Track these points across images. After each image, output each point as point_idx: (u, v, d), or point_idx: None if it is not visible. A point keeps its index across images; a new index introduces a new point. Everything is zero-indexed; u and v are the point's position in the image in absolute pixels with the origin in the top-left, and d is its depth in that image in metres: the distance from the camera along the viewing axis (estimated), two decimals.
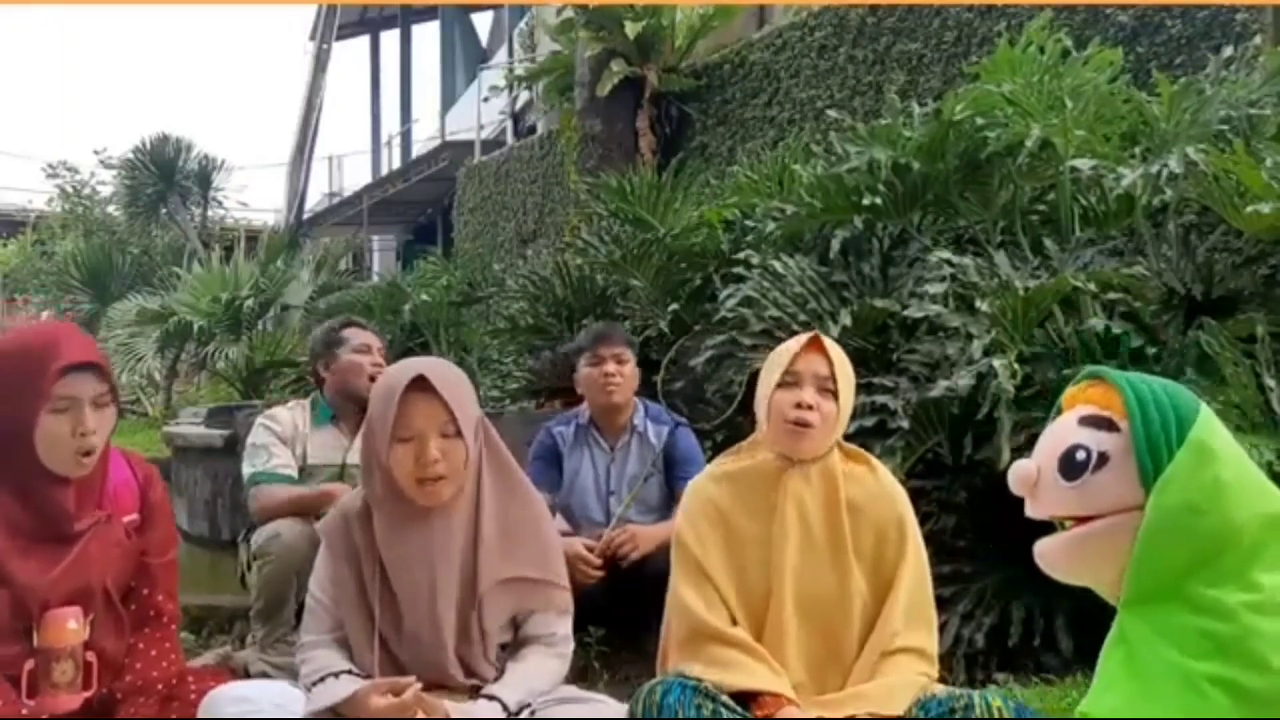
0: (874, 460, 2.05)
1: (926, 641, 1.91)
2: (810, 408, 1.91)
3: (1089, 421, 1.27)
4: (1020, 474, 1.31)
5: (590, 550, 2.83)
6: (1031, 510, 1.32)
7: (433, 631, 1.89)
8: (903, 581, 1.91)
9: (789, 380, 1.94)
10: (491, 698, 1.85)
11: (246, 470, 3.02)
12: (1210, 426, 1.25)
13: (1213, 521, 1.20)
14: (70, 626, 1.84)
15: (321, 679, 1.86)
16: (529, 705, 1.88)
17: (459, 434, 1.86)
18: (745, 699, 1.84)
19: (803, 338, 2.00)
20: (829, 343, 1.98)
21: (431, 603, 1.89)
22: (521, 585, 1.94)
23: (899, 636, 1.88)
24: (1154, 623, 1.22)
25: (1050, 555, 1.31)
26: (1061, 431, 1.30)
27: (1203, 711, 1.14)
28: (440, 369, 1.93)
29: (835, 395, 1.94)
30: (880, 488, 1.99)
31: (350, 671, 1.87)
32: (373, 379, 3.00)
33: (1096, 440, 1.26)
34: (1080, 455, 1.25)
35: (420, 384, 1.86)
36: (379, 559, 1.91)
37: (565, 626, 2.00)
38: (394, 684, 1.79)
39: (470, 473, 1.91)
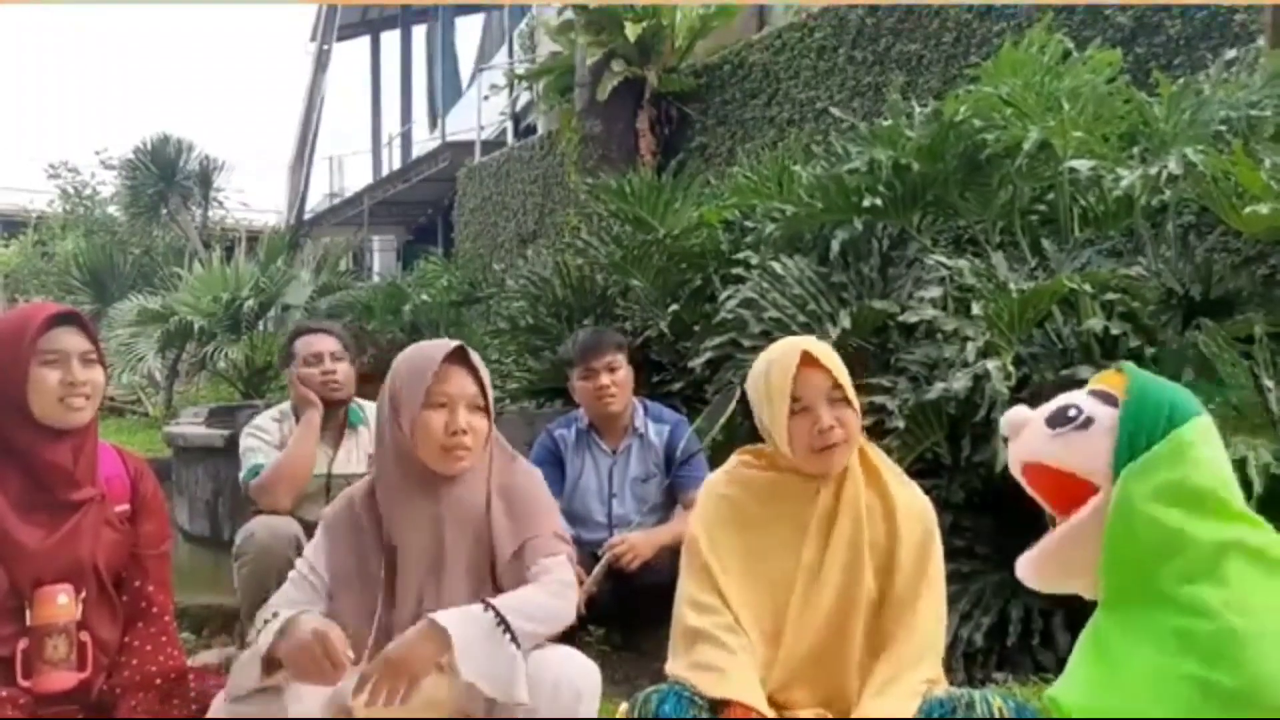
0: (901, 472, 2.03)
1: (934, 666, 1.87)
2: (833, 427, 1.86)
3: (1094, 394, 1.36)
4: (1012, 416, 1.40)
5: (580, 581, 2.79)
6: (1010, 452, 1.39)
7: (436, 595, 1.85)
8: (919, 611, 1.87)
9: (800, 407, 1.87)
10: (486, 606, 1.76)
11: (242, 472, 3.02)
12: (1200, 433, 1.27)
13: (1171, 517, 1.23)
14: (60, 601, 1.87)
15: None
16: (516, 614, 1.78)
17: (484, 410, 1.90)
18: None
19: (792, 358, 1.88)
20: (819, 351, 1.89)
21: (438, 567, 1.86)
22: (530, 544, 1.92)
23: (906, 665, 1.83)
24: (1129, 623, 1.25)
25: (1028, 569, 1.37)
26: (1068, 396, 1.38)
27: (1172, 707, 1.16)
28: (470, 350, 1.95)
29: (848, 400, 1.89)
30: (910, 500, 1.97)
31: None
32: (324, 384, 3.03)
33: (1091, 406, 1.33)
34: (1072, 412, 1.33)
35: (458, 355, 1.89)
36: (385, 544, 1.89)
37: (566, 572, 1.91)
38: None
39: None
